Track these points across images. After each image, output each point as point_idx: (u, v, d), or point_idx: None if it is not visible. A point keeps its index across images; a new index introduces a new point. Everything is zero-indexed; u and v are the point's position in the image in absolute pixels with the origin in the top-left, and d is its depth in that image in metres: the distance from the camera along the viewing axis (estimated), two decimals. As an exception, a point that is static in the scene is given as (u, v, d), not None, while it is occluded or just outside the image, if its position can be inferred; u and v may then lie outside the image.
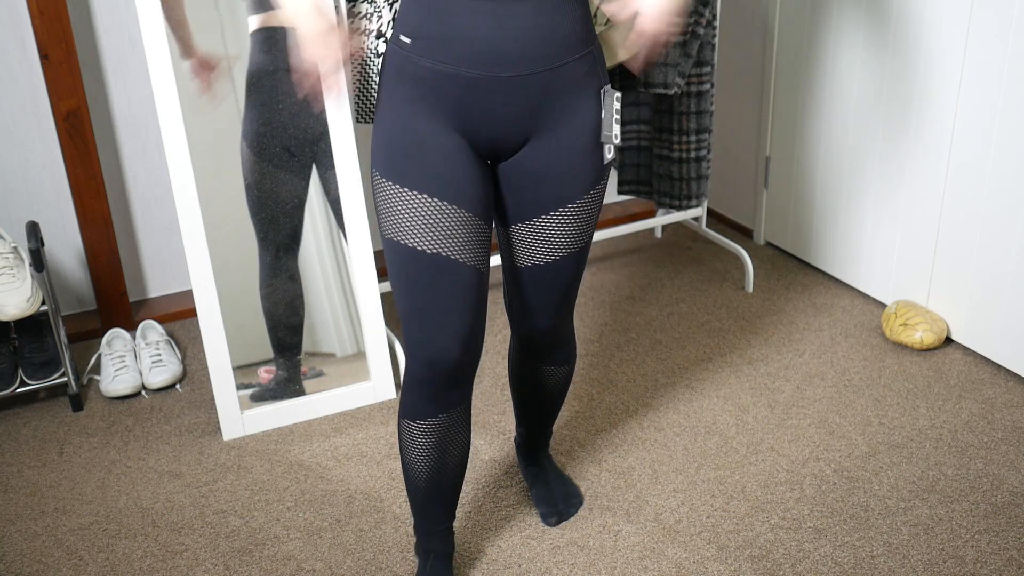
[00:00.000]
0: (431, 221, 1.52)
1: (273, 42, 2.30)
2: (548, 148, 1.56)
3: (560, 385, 1.95)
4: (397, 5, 2.13)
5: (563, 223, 1.63)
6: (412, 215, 1.52)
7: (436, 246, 1.53)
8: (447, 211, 1.52)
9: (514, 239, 1.67)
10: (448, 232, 1.53)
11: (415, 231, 1.52)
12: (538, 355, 1.86)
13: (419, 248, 1.53)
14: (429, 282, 1.54)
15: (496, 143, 1.56)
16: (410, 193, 1.52)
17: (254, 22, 2.29)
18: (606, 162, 1.61)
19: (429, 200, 1.52)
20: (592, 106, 1.56)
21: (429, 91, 1.50)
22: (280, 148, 2.36)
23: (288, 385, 2.44)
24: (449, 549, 1.84)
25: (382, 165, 1.55)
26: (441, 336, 1.56)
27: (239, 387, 2.39)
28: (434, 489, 1.74)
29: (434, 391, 1.62)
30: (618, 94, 1.57)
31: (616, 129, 1.57)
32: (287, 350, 2.45)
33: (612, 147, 1.61)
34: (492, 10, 1.42)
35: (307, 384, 2.47)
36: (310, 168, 2.40)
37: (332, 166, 2.39)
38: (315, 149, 2.38)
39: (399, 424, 1.71)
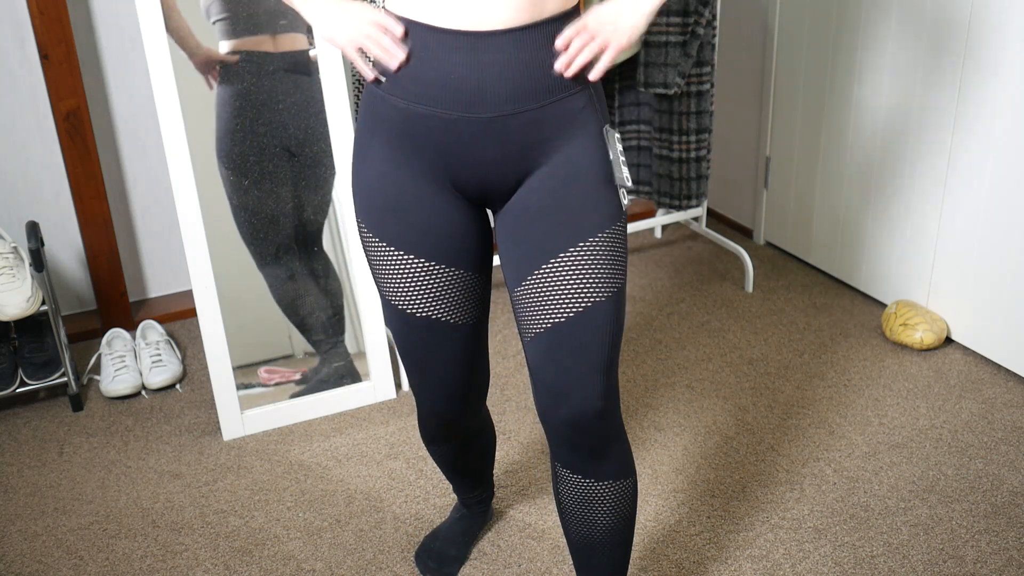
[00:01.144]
0: (420, 284, 1.44)
1: (245, 65, 2.30)
2: (545, 187, 1.38)
3: (620, 515, 1.53)
4: None
5: (575, 266, 1.37)
6: (400, 277, 1.44)
7: (426, 309, 1.46)
8: (435, 272, 1.44)
9: (525, 298, 1.41)
10: (438, 294, 1.45)
11: (404, 293, 1.45)
12: (584, 461, 1.47)
13: (409, 311, 1.46)
14: (421, 343, 1.50)
15: (486, 189, 1.41)
16: (396, 253, 1.43)
17: (225, 47, 2.29)
18: (624, 208, 1.42)
19: (416, 261, 1.43)
20: (593, 144, 1.38)
21: (406, 136, 1.37)
22: (280, 149, 2.36)
23: (345, 371, 2.50)
24: (481, 507, 1.99)
25: (365, 216, 1.44)
26: (436, 393, 1.59)
27: (239, 387, 2.39)
28: (458, 478, 1.90)
29: (440, 429, 1.70)
30: (618, 135, 1.43)
31: (625, 171, 1.40)
32: (328, 340, 2.48)
33: (625, 192, 1.42)
34: (468, 44, 1.29)
35: (307, 384, 2.47)
36: (311, 169, 2.40)
37: (332, 165, 2.39)
38: (315, 149, 2.38)
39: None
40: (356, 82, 2.51)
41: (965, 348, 2.63)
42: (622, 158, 1.40)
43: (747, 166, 3.29)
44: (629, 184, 1.40)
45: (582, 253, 1.37)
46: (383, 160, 1.40)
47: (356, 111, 2.33)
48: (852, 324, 2.78)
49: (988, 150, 2.41)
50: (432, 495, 2.16)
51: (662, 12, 2.57)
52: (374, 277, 1.49)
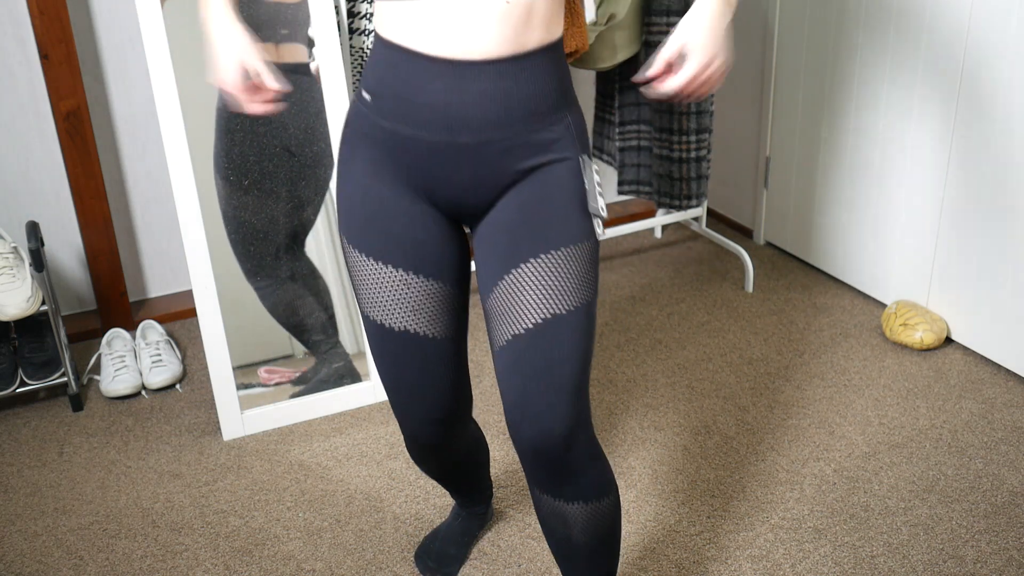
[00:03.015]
0: (397, 295, 1.45)
1: None
2: (515, 204, 1.42)
3: (598, 533, 1.52)
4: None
5: (539, 275, 1.39)
6: (378, 289, 1.46)
7: (404, 322, 1.47)
8: (413, 284, 1.45)
9: (493, 308, 1.43)
10: (416, 306, 1.46)
11: (382, 306, 1.47)
12: (551, 483, 1.45)
13: (387, 324, 1.47)
14: (400, 358, 1.50)
15: (461, 207, 1.45)
16: (375, 265, 1.45)
17: None
18: (599, 237, 1.44)
19: (394, 272, 1.45)
20: (567, 172, 1.41)
21: (389, 154, 1.41)
22: (279, 149, 2.36)
23: (345, 371, 2.49)
24: (480, 508, 1.99)
25: (346, 230, 1.48)
26: (417, 412, 1.56)
27: (239, 387, 2.39)
28: (452, 491, 1.92)
29: (423, 453, 1.69)
30: (595, 166, 1.45)
31: (601, 202, 1.42)
32: (323, 342, 2.48)
33: (601, 221, 1.44)
34: (453, 73, 1.32)
35: (307, 384, 2.47)
36: (310, 169, 2.40)
37: (332, 165, 2.39)
38: (315, 149, 2.38)
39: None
40: (355, 81, 2.51)
41: (965, 348, 2.63)
42: (599, 189, 1.42)
43: (747, 166, 3.29)
44: (604, 215, 1.42)
45: (547, 262, 1.39)
46: (363, 173, 1.44)
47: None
48: (852, 324, 2.78)
49: (988, 149, 2.41)
50: (432, 495, 2.16)
51: (662, 12, 2.57)
52: (355, 291, 1.50)
